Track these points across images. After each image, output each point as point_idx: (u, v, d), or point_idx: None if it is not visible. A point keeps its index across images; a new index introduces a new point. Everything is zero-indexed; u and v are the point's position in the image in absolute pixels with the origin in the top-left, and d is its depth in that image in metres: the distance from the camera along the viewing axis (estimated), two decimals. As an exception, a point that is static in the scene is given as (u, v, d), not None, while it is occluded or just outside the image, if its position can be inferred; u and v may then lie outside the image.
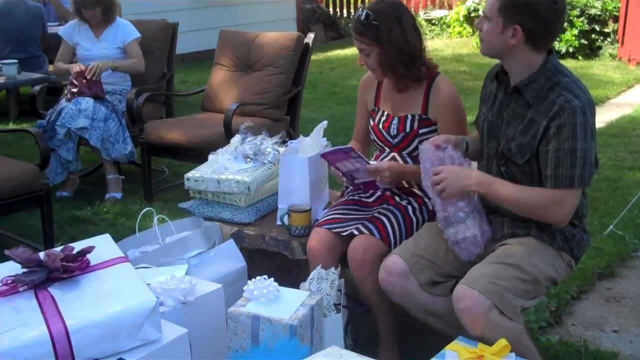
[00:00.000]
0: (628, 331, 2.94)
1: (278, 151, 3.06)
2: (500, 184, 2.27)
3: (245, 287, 2.24)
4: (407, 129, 2.68)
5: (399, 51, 2.59)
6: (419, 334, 2.67)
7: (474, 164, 2.54)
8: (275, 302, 2.20)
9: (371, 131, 2.81)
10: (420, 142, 2.66)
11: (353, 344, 2.51)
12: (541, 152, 2.20)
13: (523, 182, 2.29)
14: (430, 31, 11.69)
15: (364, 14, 2.58)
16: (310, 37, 4.59)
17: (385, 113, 2.76)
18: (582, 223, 2.35)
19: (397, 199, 2.71)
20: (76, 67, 4.48)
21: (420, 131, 2.67)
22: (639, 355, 2.75)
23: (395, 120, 2.71)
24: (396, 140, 2.71)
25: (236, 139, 3.21)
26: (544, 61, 2.25)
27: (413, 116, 2.68)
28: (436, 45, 10.49)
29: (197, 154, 3.96)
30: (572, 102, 2.14)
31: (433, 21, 11.92)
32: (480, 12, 2.33)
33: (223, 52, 4.74)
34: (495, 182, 2.28)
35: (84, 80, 4.42)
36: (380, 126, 2.75)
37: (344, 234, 2.57)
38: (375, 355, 2.47)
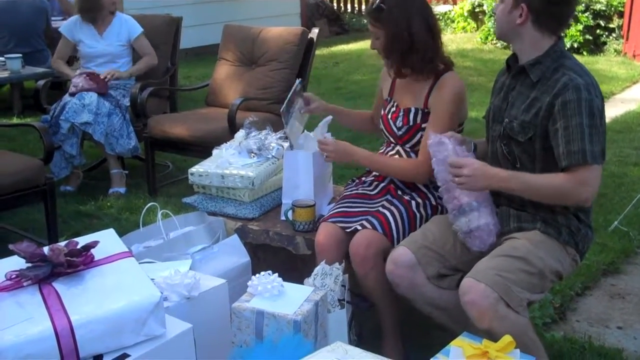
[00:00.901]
0: (632, 327, 2.93)
1: (282, 146, 3.06)
2: (518, 175, 2.25)
3: (249, 283, 2.24)
4: (411, 122, 2.69)
5: (398, 38, 2.58)
6: (423, 329, 2.67)
7: None
8: (280, 298, 2.20)
9: (380, 121, 2.83)
10: (424, 136, 2.67)
11: (357, 340, 2.50)
12: (551, 131, 2.21)
13: (525, 161, 2.30)
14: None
15: None
16: (314, 32, 4.59)
17: (395, 104, 2.78)
18: (587, 218, 2.35)
19: (400, 192, 2.71)
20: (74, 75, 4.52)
21: (423, 125, 2.67)
22: (643, 352, 2.75)
23: (402, 112, 2.73)
24: (400, 132, 2.72)
25: (240, 133, 3.21)
26: (551, 45, 2.27)
27: (416, 109, 2.69)
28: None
29: (201, 148, 3.96)
30: (575, 80, 2.17)
31: (437, 16, 11.86)
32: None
33: (227, 47, 4.73)
34: (513, 174, 2.27)
35: (84, 77, 4.43)
36: (389, 116, 2.77)
37: (348, 230, 2.57)
38: (379, 350, 2.47)
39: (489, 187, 2.30)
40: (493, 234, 2.33)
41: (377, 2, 2.61)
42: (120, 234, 2.34)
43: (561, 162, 2.18)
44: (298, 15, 10.92)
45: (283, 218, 2.86)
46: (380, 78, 2.94)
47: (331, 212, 2.68)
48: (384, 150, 2.82)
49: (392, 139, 2.77)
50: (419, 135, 2.68)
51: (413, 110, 2.69)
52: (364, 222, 2.56)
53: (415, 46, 2.58)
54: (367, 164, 2.78)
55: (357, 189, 2.81)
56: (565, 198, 2.23)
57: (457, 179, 2.27)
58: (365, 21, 11.92)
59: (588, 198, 2.22)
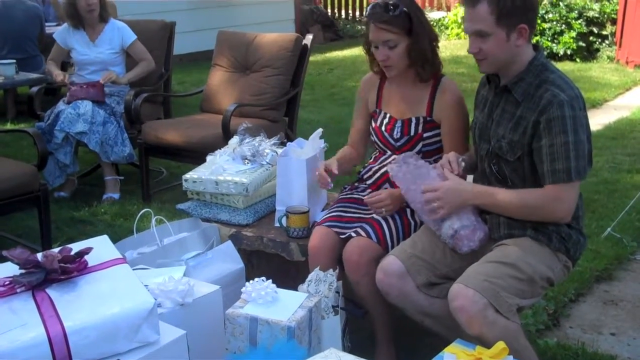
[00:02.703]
0: (626, 334, 2.94)
1: (276, 152, 3.06)
2: (498, 192, 2.29)
3: (243, 289, 2.24)
4: (412, 132, 2.66)
5: (430, 40, 2.57)
6: (416, 336, 2.67)
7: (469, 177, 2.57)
8: (273, 304, 2.19)
9: (372, 133, 2.79)
10: (424, 145, 2.66)
11: (350, 346, 2.50)
12: (535, 149, 2.22)
13: (515, 180, 2.30)
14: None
15: (391, 2, 2.52)
16: (308, 39, 4.59)
17: (388, 115, 2.72)
18: (578, 224, 2.36)
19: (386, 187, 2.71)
20: (59, 78, 4.50)
21: (425, 134, 2.65)
22: (637, 358, 2.75)
23: (399, 123, 2.68)
24: (399, 143, 2.69)
25: (234, 140, 3.21)
26: (532, 58, 2.27)
27: (417, 119, 2.65)
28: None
29: (195, 155, 3.96)
30: (559, 96, 2.17)
31: (431, 23, 11.92)
32: (468, 35, 2.28)
33: (221, 53, 4.74)
34: (493, 191, 2.31)
35: (82, 87, 4.42)
36: (383, 129, 2.72)
37: (343, 236, 2.57)
38: (372, 357, 2.47)
39: (465, 203, 2.32)
40: (478, 230, 2.34)
41: (394, 6, 2.51)
42: (114, 240, 2.33)
43: (545, 180, 2.20)
44: (292, 21, 10.93)
45: (277, 224, 2.86)
46: (359, 91, 2.87)
47: (325, 216, 2.68)
48: (378, 160, 2.78)
49: (387, 149, 2.75)
50: (420, 145, 2.66)
51: (414, 120, 2.65)
52: (359, 230, 2.56)
53: (433, 54, 2.58)
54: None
55: (351, 194, 2.81)
56: (545, 215, 2.26)
57: (431, 206, 2.30)
58: (359, 27, 11.99)
59: (564, 215, 2.25)
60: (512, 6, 2.18)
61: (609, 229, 3.79)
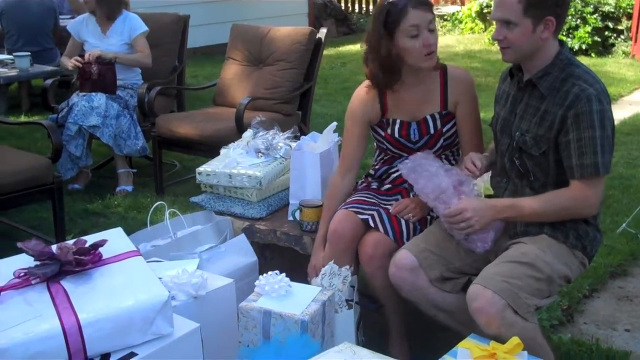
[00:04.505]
0: (640, 330, 2.92)
1: (290, 146, 3.06)
2: (523, 203, 2.27)
3: (256, 282, 2.24)
4: (431, 131, 2.60)
5: None
6: (430, 330, 2.66)
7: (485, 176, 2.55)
8: (287, 298, 2.20)
9: (384, 141, 2.68)
10: (446, 140, 2.62)
11: (365, 340, 2.50)
12: (561, 143, 2.20)
13: (538, 175, 2.28)
14: (442, 27, 11.64)
15: None
16: (322, 32, 4.58)
17: (399, 121, 2.63)
18: (595, 221, 2.34)
19: (412, 195, 2.68)
20: (70, 63, 4.48)
21: (444, 129, 2.60)
22: (651, 355, 2.74)
23: (414, 126, 2.61)
24: (419, 144, 2.62)
25: (248, 133, 3.22)
26: (557, 53, 2.25)
27: (433, 116, 2.60)
28: (448, 41, 10.44)
29: (209, 148, 3.97)
30: (587, 91, 2.15)
31: (445, 17, 11.87)
32: (495, 21, 2.26)
33: (235, 47, 4.73)
34: (517, 202, 2.28)
35: (91, 71, 4.41)
36: (397, 135, 2.63)
37: (361, 217, 2.53)
38: (386, 351, 2.47)
39: (495, 217, 2.28)
40: (491, 230, 2.32)
41: None
42: (127, 232, 2.34)
43: (573, 174, 2.19)
44: (306, 15, 10.90)
45: (290, 218, 2.86)
46: (353, 111, 2.72)
47: (347, 201, 2.64)
48: (390, 162, 2.72)
49: (404, 153, 2.66)
50: (441, 141, 2.61)
51: (430, 118, 2.60)
52: (375, 215, 2.52)
53: None
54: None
55: (369, 186, 2.77)
56: (573, 214, 2.25)
57: (462, 225, 2.26)
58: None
59: (592, 211, 2.26)
60: None
61: (624, 225, 3.77)
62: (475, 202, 2.31)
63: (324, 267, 2.41)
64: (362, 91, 2.70)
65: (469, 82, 2.63)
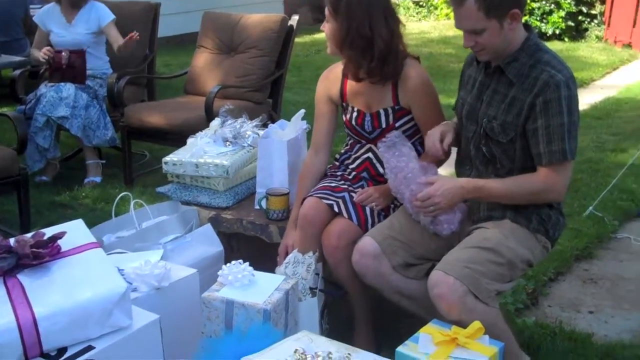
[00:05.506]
0: (604, 312, 2.96)
1: (258, 134, 3.05)
2: (491, 183, 2.28)
3: (219, 272, 2.24)
4: (383, 125, 2.60)
5: (356, 32, 2.47)
6: (396, 316, 2.67)
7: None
8: (250, 287, 2.20)
9: (345, 126, 2.71)
10: (404, 132, 2.59)
11: (329, 328, 2.51)
12: (529, 130, 2.20)
13: (504, 162, 2.29)
14: (417, 13, 11.64)
15: None
16: (294, 19, 4.56)
17: (356, 109, 2.65)
18: (559, 205, 2.36)
19: (375, 183, 2.69)
20: (41, 54, 4.41)
21: (397, 124, 2.59)
22: (614, 336, 2.77)
23: (368, 117, 2.61)
24: (373, 135, 2.63)
25: (216, 122, 3.20)
26: (525, 39, 2.25)
27: (386, 110, 2.59)
28: (423, 27, 10.45)
29: (178, 137, 3.91)
30: (556, 77, 2.16)
31: (421, 3, 11.86)
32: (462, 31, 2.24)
33: (206, 35, 4.71)
34: (485, 183, 2.29)
35: (61, 59, 4.35)
36: (354, 122, 2.65)
37: (326, 202, 2.53)
38: (351, 338, 2.48)
39: (460, 200, 2.30)
40: (457, 211, 2.33)
41: None
42: (95, 224, 2.33)
43: (541, 160, 2.20)
44: (281, 2, 10.84)
45: (257, 207, 2.86)
46: (319, 90, 2.75)
47: (316, 187, 2.65)
48: (354, 147, 2.73)
49: (362, 140, 2.69)
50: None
51: (382, 112, 2.59)
52: (340, 203, 2.53)
53: (374, 44, 2.48)
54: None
55: (335, 172, 2.76)
56: (541, 198, 2.27)
57: (431, 208, 2.27)
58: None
59: (558, 196, 2.27)
60: None
61: (590, 208, 3.81)
62: (445, 181, 2.30)
63: (294, 249, 2.42)
64: (329, 69, 2.75)
65: (418, 82, 2.56)
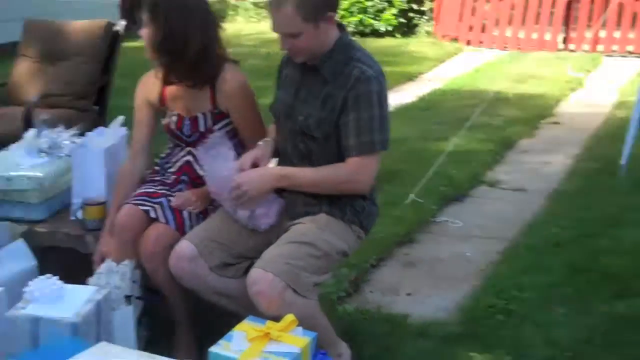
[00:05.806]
0: (421, 293, 3.12)
1: (75, 143, 2.96)
2: (299, 172, 2.34)
3: (25, 289, 2.16)
4: (201, 128, 2.61)
5: (170, 39, 2.48)
6: (220, 317, 2.68)
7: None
8: (59, 301, 2.12)
9: (163, 129, 2.71)
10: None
11: (148, 335, 2.49)
12: (342, 124, 2.28)
13: (321, 157, 2.36)
14: (257, 14, 11.72)
15: None
16: (121, 25, 4.49)
17: (176, 113, 2.64)
18: (372, 196, 2.46)
19: (194, 186, 2.69)
20: None
21: (216, 127, 2.61)
22: (429, 315, 2.91)
23: (187, 121, 2.62)
24: (191, 139, 2.64)
25: (30, 133, 3.07)
26: (337, 38, 2.33)
27: (204, 114, 2.60)
28: (262, 28, 10.49)
29: (-4, 151, 3.75)
30: (367, 73, 2.25)
31: (260, 4, 11.95)
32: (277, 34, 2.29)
33: (28, 43, 4.57)
34: (294, 172, 2.35)
35: None
36: (172, 127, 2.65)
37: (143, 208, 2.51)
38: (172, 343, 2.48)
39: (270, 187, 2.35)
40: (273, 205, 2.39)
41: None
42: None
43: (350, 152, 2.28)
44: (116, 6, 10.47)
45: (73, 217, 2.78)
46: (139, 95, 2.74)
47: (133, 195, 2.61)
48: (172, 153, 2.73)
49: (182, 144, 2.69)
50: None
51: (201, 116, 2.60)
52: (157, 209, 2.52)
53: (188, 50, 2.49)
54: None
55: (154, 177, 2.73)
56: (348, 188, 2.35)
57: (240, 200, 2.31)
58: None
59: (366, 187, 2.36)
60: (314, 1, 2.21)
61: (411, 195, 3.98)
62: (250, 173, 2.34)
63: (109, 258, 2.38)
64: (146, 75, 2.73)
65: (235, 85, 2.58)
